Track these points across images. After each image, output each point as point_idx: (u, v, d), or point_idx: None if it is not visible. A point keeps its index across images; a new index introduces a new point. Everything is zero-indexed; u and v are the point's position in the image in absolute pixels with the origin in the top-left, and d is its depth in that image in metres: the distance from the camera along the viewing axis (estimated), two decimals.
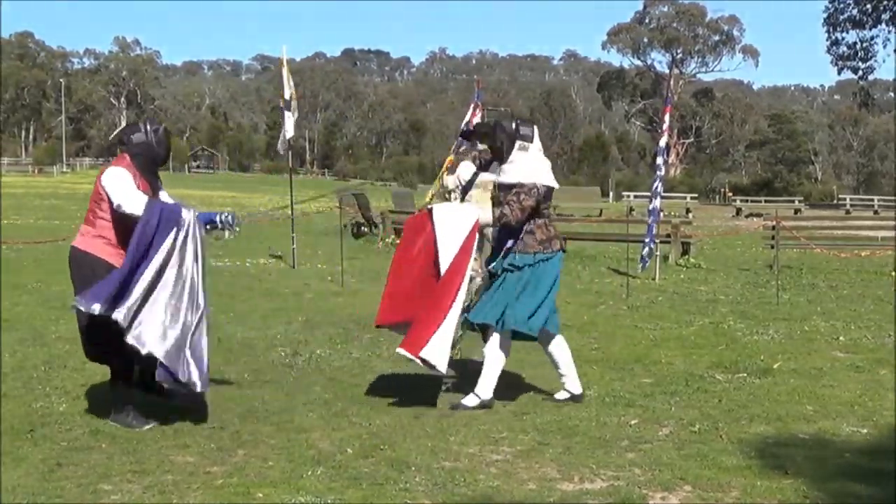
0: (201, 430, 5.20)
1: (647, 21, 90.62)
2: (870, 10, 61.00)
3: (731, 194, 74.92)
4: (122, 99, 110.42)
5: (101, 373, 6.50)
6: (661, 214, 13.75)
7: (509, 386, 6.36)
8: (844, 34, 62.64)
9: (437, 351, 5.66)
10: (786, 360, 7.30)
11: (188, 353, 5.18)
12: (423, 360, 5.69)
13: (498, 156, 6.10)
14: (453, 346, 6.20)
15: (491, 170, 6.41)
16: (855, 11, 61.69)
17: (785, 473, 4.56)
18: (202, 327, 5.29)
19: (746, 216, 41.28)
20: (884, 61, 71.76)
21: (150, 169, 5.48)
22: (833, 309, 10.15)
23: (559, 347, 6.06)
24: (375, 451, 4.84)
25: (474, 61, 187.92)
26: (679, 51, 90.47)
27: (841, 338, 8.32)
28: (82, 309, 5.09)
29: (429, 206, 6.17)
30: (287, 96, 14.12)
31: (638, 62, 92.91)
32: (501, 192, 5.92)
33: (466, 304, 6.13)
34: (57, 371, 6.57)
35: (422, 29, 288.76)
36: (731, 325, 8.94)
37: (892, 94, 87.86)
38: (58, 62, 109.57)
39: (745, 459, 4.78)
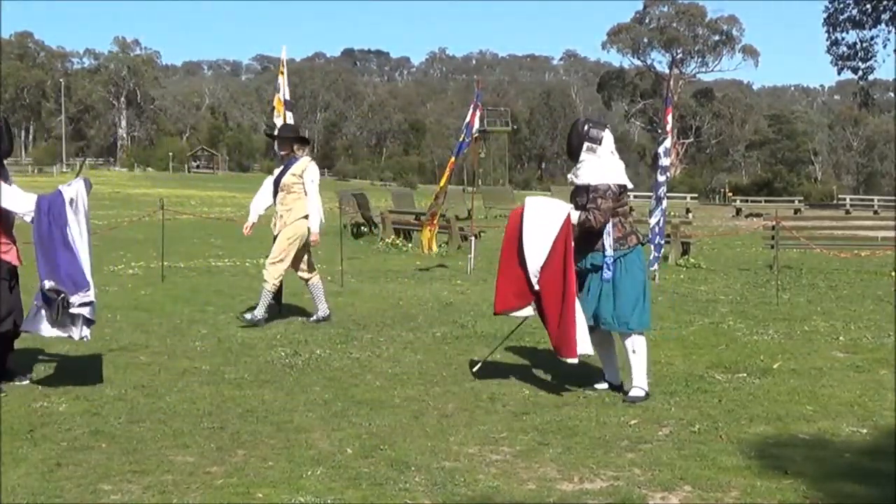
0: (201, 430, 5.21)
1: (647, 21, 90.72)
2: (870, 11, 61.03)
3: (730, 194, 75.01)
4: (122, 99, 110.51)
5: (102, 373, 6.52)
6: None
7: (508, 386, 6.37)
8: (844, 34, 62.72)
9: (585, 342, 6.01)
10: (785, 360, 7.30)
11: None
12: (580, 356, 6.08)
13: (570, 155, 6.33)
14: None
15: (569, 170, 6.57)
16: (855, 11, 61.73)
17: (784, 473, 4.56)
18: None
19: (746, 216, 41.31)
20: (884, 61, 71.79)
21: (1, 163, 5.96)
22: (833, 309, 10.15)
23: (641, 345, 6.20)
24: (375, 452, 4.84)
25: (474, 61, 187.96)
26: (679, 51, 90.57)
27: (841, 338, 8.32)
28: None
29: (527, 198, 6.43)
30: (287, 96, 14.07)
31: (638, 62, 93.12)
32: (576, 195, 6.21)
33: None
34: (57, 371, 6.58)
35: (422, 29, 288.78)
36: (730, 325, 8.94)
37: (891, 94, 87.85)
38: (58, 62, 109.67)
39: (745, 459, 4.78)
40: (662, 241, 13.51)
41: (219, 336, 8.01)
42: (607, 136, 6.20)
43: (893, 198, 61.41)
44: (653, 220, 13.33)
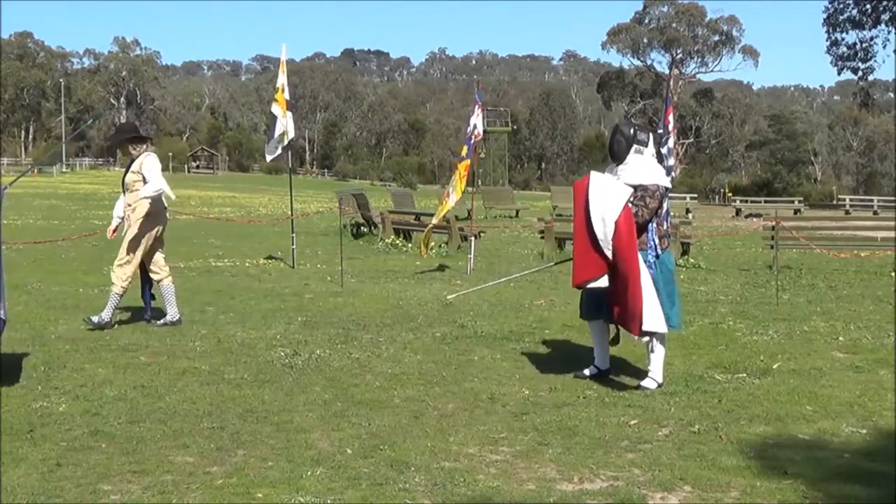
0: (201, 430, 5.21)
1: (646, 21, 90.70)
2: (869, 11, 61.08)
3: (730, 194, 75.00)
4: (122, 99, 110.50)
5: (102, 373, 6.53)
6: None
7: (508, 386, 6.37)
8: (844, 34, 62.78)
9: (654, 319, 6.10)
10: (785, 360, 7.30)
11: None
12: (649, 333, 6.17)
13: (615, 157, 6.44)
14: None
15: (607, 170, 6.63)
16: (855, 12, 61.79)
17: (784, 474, 4.56)
18: None
19: (746, 216, 41.32)
20: (883, 62, 72.18)
21: None
22: (832, 309, 10.15)
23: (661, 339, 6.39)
24: (375, 452, 4.84)
25: (474, 61, 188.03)
26: (679, 51, 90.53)
27: (840, 338, 8.32)
28: None
29: (592, 172, 6.46)
30: (288, 96, 14.09)
31: (637, 62, 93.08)
32: None
33: None
34: (56, 371, 6.57)
35: (421, 29, 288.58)
36: (730, 325, 8.94)
37: (891, 95, 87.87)
38: (58, 62, 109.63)
39: (745, 460, 4.78)
40: (669, 242, 13.49)
41: (218, 336, 8.01)
42: (652, 140, 6.44)
43: (893, 198, 61.39)
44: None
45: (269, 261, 14.83)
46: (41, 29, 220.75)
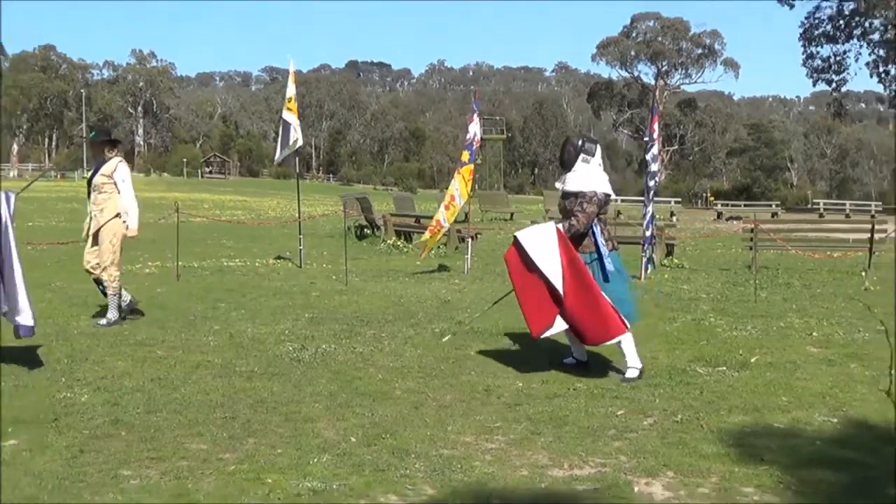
0: (214, 419, 5.22)
1: (634, 35, 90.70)
2: (843, 26, 61.40)
3: (712, 199, 75.04)
4: (139, 108, 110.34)
5: (121, 366, 6.54)
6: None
7: (503, 378, 6.39)
8: (819, 48, 63.09)
9: (616, 328, 6.27)
10: (762, 354, 7.31)
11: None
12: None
13: (564, 165, 6.65)
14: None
15: (558, 178, 6.88)
16: (829, 27, 62.13)
17: (761, 460, 4.59)
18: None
19: (727, 219, 41.26)
20: (855, 74, 72.17)
21: None
22: (807, 306, 10.17)
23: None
24: (378, 440, 4.86)
25: (471, 72, 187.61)
26: (664, 63, 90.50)
27: (814, 333, 8.34)
28: None
29: (514, 234, 6.64)
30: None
31: (625, 74, 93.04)
32: (566, 199, 6.56)
33: None
34: (79, 364, 6.59)
35: (421, 42, 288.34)
36: (711, 321, 8.96)
37: (863, 105, 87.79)
38: (79, 73, 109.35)
39: (724, 447, 4.81)
40: (654, 245, 13.52)
41: (230, 332, 8.02)
42: (599, 150, 6.65)
43: (864, 202, 61.46)
44: (644, 223, 13.34)
45: (278, 261, 14.83)
46: (64, 42, 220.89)
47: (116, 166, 8.29)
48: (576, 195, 6.47)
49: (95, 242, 8.31)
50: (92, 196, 8.36)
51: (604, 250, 6.44)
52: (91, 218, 8.36)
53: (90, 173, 8.48)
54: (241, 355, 7.03)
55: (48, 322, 8.22)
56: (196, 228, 20.55)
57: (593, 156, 6.57)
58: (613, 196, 6.77)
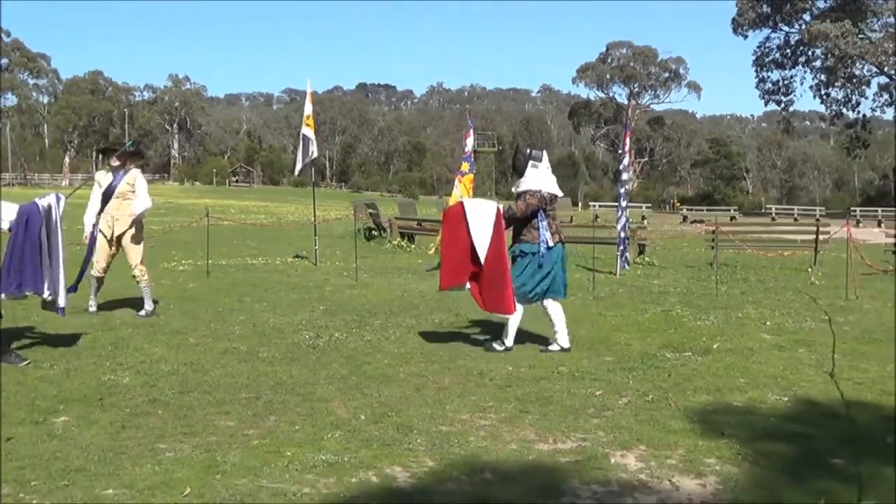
0: (240, 399, 5.20)
1: (609, 60, 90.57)
2: (789, 55, 62.36)
3: (679, 204, 75.09)
4: (175, 125, 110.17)
5: (158, 352, 6.52)
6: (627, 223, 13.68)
7: (495, 363, 6.37)
8: (770, 73, 63.89)
9: (510, 305, 6.55)
10: (723, 341, 7.30)
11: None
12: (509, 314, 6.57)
13: (516, 171, 6.81)
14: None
15: (513, 184, 7.02)
16: (778, 55, 63.14)
17: (721, 435, 4.57)
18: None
19: (691, 222, 41.30)
20: (801, 95, 72.74)
21: None
22: (761, 299, 10.17)
23: (556, 310, 6.71)
24: (384, 418, 4.84)
25: (466, 93, 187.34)
26: (636, 85, 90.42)
27: (768, 322, 8.33)
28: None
29: (461, 199, 6.80)
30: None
31: (602, 94, 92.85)
32: (518, 199, 6.72)
33: None
34: (121, 350, 6.56)
35: (423, 66, 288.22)
36: (678, 312, 8.95)
37: (808, 123, 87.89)
38: (123, 95, 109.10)
39: (690, 423, 4.79)
40: (627, 245, 13.52)
41: (254, 322, 8.00)
42: (545, 157, 6.80)
43: (810, 207, 61.56)
44: (618, 226, 13.34)
45: (296, 259, 14.81)
46: (110, 68, 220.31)
47: (137, 175, 8.25)
48: (524, 193, 6.66)
49: (110, 247, 8.24)
50: (114, 202, 8.12)
51: (550, 243, 6.57)
52: (94, 225, 8.10)
53: (107, 184, 8.15)
54: (263, 343, 7.01)
55: (93, 314, 8.19)
56: (224, 231, 20.52)
57: (541, 161, 6.71)
58: (561, 195, 6.90)
